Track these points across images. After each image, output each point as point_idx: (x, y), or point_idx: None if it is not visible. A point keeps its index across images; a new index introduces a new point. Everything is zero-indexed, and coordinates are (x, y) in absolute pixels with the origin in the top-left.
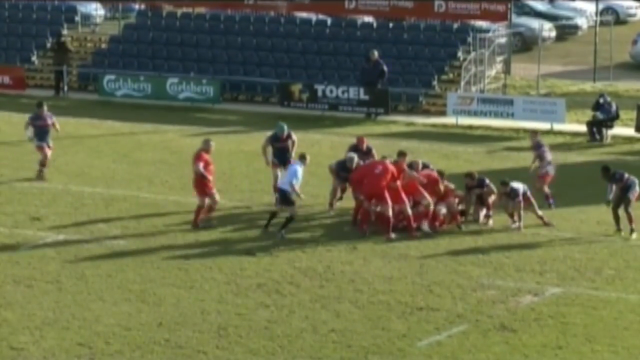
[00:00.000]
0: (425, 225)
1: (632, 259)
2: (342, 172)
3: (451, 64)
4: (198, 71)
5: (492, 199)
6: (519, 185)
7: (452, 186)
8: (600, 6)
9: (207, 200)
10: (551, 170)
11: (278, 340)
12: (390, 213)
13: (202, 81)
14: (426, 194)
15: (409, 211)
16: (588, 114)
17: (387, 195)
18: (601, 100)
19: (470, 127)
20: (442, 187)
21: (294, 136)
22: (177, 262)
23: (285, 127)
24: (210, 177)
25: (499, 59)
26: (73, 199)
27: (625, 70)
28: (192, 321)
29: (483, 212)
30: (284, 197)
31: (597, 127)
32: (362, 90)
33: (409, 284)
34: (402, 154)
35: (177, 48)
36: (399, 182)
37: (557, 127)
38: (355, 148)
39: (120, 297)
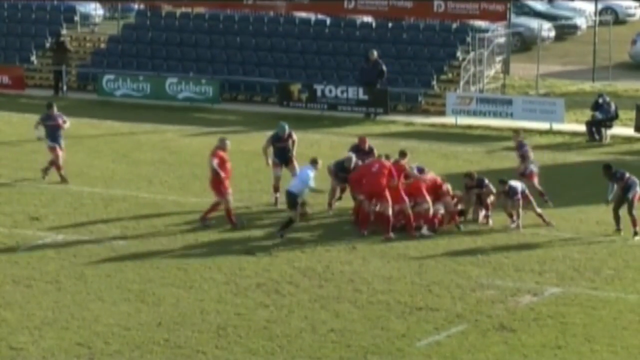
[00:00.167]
0: (425, 230)
1: (632, 259)
2: (340, 172)
3: (450, 63)
4: (197, 71)
5: (491, 199)
6: (517, 184)
7: (448, 186)
8: (600, 6)
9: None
10: (535, 168)
11: (277, 340)
12: (390, 212)
13: (201, 81)
14: (428, 197)
15: (409, 211)
16: (587, 114)
17: (387, 193)
18: (600, 100)
19: (470, 127)
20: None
21: (295, 136)
22: (177, 262)
23: (287, 126)
24: (226, 176)
25: (498, 58)
26: (72, 199)
27: (625, 70)
28: (192, 321)
29: (482, 213)
30: (291, 200)
31: (596, 127)
32: (361, 90)
33: (408, 284)
34: (402, 154)
35: (176, 48)
36: (400, 182)
37: (556, 127)
38: (357, 148)
39: (119, 297)
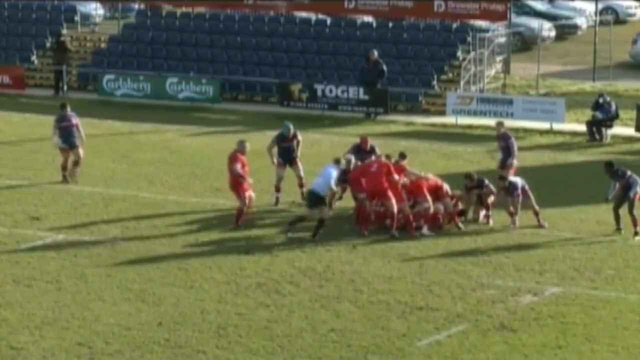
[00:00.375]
0: (425, 229)
1: (632, 258)
2: (340, 173)
3: (451, 63)
4: (197, 71)
5: (491, 199)
6: (517, 179)
7: (447, 186)
8: (600, 6)
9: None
10: (516, 162)
11: (278, 339)
12: (395, 210)
13: (201, 81)
14: (428, 197)
15: (408, 210)
16: (587, 114)
17: (389, 192)
18: (601, 100)
19: (470, 126)
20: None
21: (300, 136)
22: (177, 261)
23: (292, 126)
24: (248, 179)
25: (499, 58)
26: (73, 199)
27: (625, 70)
28: (192, 321)
29: (483, 212)
30: (317, 200)
31: (596, 126)
32: (361, 90)
33: (409, 284)
34: (402, 156)
35: (176, 48)
36: (401, 182)
37: (557, 126)
38: (359, 148)
39: (119, 296)
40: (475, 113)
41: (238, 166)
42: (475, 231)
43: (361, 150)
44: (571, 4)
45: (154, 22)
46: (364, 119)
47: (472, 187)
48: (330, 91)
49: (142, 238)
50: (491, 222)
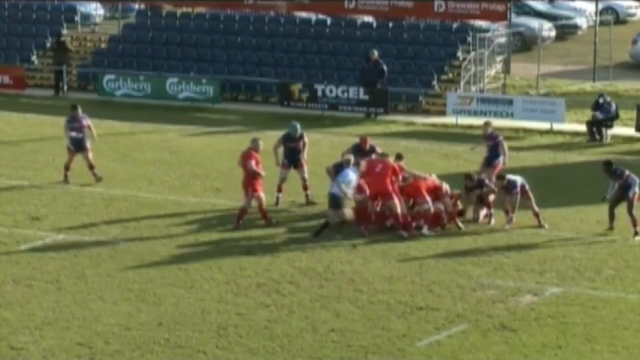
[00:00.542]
0: (425, 229)
1: (632, 258)
2: None
3: (451, 63)
4: (198, 71)
5: (492, 198)
6: (516, 178)
7: (446, 185)
8: (600, 6)
9: (253, 201)
10: (506, 161)
11: (278, 340)
12: (399, 210)
13: (201, 81)
14: (427, 198)
15: (404, 210)
16: (588, 114)
17: (393, 192)
18: (601, 100)
19: (470, 126)
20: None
21: (306, 138)
22: (177, 262)
23: (299, 127)
24: (262, 174)
25: (499, 58)
26: (73, 199)
27: (625, 70)
28: (192, 321)
29: (483, 212)
30: (334, 202)
31: (596, 126)
32: (361, 90)
33: (409, 284)
34: (399, 157)
35: (176, 48)
36: (401, 182)
37: (557, 126)
38: (358, 148)
39: (120, 296)
40: (475, 113)
41: (253, 162)
42: (475, 231)
43: (360, 150)
44: (571, 4)
45: (154, 22)
46: (364, 119)
47: (472, 187)
48: (331, 91)
49: (142, 238)
50: (492, 221)
